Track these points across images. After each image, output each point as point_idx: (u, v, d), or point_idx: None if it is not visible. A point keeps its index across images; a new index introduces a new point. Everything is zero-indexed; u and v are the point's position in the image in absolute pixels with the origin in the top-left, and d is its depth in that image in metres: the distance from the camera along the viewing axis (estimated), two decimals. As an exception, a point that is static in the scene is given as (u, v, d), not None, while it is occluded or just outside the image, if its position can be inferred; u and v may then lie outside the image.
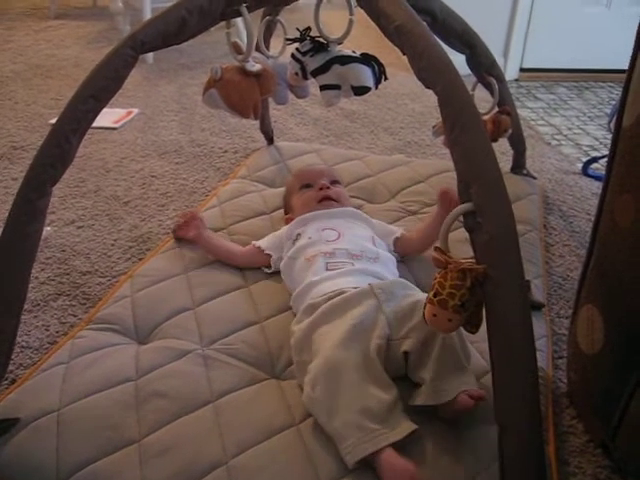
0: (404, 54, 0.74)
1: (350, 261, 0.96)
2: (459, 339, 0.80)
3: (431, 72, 0.66)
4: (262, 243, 1.10)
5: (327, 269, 0.95)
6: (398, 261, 1.07)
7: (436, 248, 0.64)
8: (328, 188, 1.13)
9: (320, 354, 0.79)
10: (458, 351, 0.80)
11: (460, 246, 1.10)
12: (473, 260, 0.62)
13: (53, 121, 2.05)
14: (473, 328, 0.67)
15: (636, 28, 0.72)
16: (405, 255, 1.11)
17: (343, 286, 0.90)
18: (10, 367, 0.95)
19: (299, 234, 1.05)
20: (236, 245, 1.14)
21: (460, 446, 0.75)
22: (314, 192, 1.13)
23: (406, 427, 0.73)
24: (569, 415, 0.89)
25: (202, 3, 0.80)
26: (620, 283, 0.73)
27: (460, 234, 0.90)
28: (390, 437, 0.71)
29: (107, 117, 1.98)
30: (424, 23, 0.73)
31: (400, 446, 0.71)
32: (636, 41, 0.70)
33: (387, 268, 0.99)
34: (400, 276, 1.01)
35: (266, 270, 1.09)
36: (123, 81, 0.79)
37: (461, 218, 0.65)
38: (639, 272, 0.69)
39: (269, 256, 1.08)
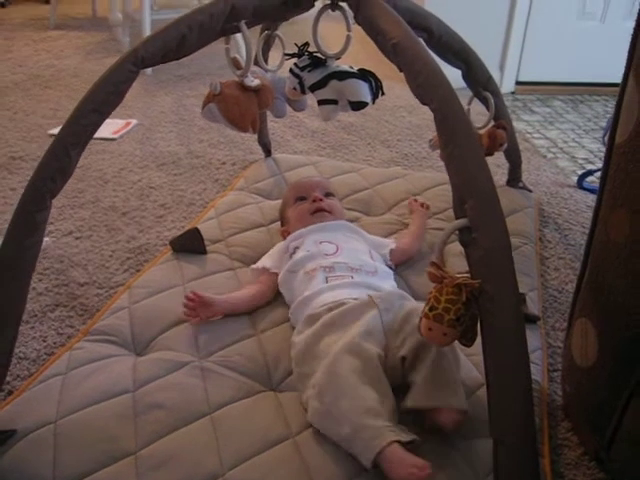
0: (401, 71, 0.75)
1: (349, 274, 0.97)
2: (453, 357, 0.81)
3: (427, 90, 0.67)
4: (265, 263, 1.08)
5: (327, 282, 0.96)
6: (395, 273, 1.08)
7: (432, 263, 0.65)
8: (321, 200, 1.14)
9: (322, 366, 0.80)
10: (452, 366, 0.80)
11: (456, 260, 1.12)
12: (468, 275, 0.63)
13: (52, 131, 2.06)
14: (468, 342, 0.67)
15: (629, 43, 0.73)
16: (399, 263, 1.13)
17: (343, 297, 0.91)
18: (7, 378, 0.95)
19: (296, 247, 1.05)
20: (248, 288, 1.06)
21: (457, 459, 0.75)
22: (308, 204, 1.14)
23: (409, 434, 0.73)
24: (564, 428, 0.89)
25: (202, 19, 0.81)
26: (613, 297, 0.74)
27: (456, 247, 0.92)
28: (397, 434, 0.71)
29: (106, 128, 1.98)
30: (421, 40, 0.75)
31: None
32: (628, 59, 0.72)
33: (385, 281, 1.01)
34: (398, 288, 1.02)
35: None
36: (124, 95, 0.80)
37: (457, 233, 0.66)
38: (632, 286, 0.70)
39: (277, 275, 1.06)
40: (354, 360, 0.78)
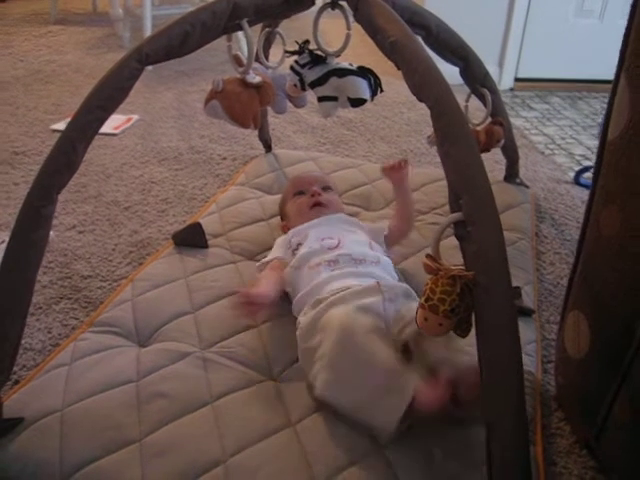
0: (399, 69, 0.77)
1: (354, 265, 0.99)
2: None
3: (424, 87, 0.69)
4: (277, 254, 1.09)
5: (332, 272, 0.98)
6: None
7: (427, 255, 0.67)
8: (319, 194, 1.16)
9: (329, 335, 0.81)
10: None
11: (453, 252, 1.14)
12: (463, 267, 0.65)
13: (54, 126, 2.07)
14: (463, 332, 0.69)
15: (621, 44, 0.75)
16: (395, 243, 1.14)
17: (350, 284, 0.93)
18: (13, 368, 0.97)
19: (299, 243, 1.07)
20: (273, 278, 1.03)
21: (451, 446, 0.78)
22: (306, 198, 1.16)
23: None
24: (557, 417, 0.92)
25: (205, 18, 0.83)
26: (604, 290, 0.76)
27: (453, 241, 0.94)
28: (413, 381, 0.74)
29: (107, 123, 1.98)
30: (418, 39, 0.77)
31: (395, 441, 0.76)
32: (619, 59, 0.74)
33: (388, 271, 1.03)
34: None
35: None
36: (128, 92, 0.82)
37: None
38: (622, 280, 0.72)
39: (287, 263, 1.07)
40: (360, 321, 0.80)
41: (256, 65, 1.13)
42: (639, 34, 0.68)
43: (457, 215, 0.64)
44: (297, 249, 1.06)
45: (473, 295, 0.63)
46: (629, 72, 0.70)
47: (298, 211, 1.16)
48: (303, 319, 0.92)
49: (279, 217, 1.29)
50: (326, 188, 1.21)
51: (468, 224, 0.63)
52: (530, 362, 0.95)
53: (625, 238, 0.71)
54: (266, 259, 1.10)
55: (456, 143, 0.65)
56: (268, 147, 1.70)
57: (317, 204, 1.15)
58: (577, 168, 1.76)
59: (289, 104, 1.24)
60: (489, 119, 1.34)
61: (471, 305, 0.65)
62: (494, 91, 1.31)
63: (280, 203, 1.27)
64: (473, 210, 0.63)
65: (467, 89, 1.32)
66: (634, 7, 0.70)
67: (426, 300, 0.66)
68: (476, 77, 1.25)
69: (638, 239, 0.69)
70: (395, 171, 1.08)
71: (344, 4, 0.91)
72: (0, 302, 0.79)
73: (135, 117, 2.08)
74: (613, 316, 0.75)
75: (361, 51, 1.96)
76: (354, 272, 0.97)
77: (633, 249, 0.70)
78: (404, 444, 0.77)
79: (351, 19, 0.93)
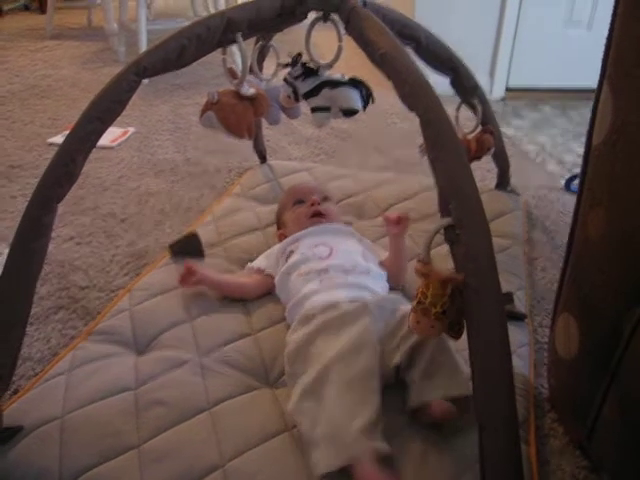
0: (389, 79, 0.79)
1: (343, 276, 1.00)
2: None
3: (413, 97, 0.72)
4: (260, 264, 1.13)
5: (321, 283, 0.99)
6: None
7: (419, 259, 0.69)
8: (319, 204, 1.18)
9: (313, 368, 0.83)
10: (454, 354, 0.84)
11: (445, 259, 1.15)
12: (454, 270, 0.67)
13: (51, 140, 2.08)
14: (455, 334, 0.71)
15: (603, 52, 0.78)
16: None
17: (338, 298, 0.94)
18: (13, 378, 0.98)
19: (292, 251, 1.08)
20: (237, 278, 1.15)
21: (446, 446, 0.79)
22: (305, 208, 1.18)
23: (379, 447, 0.74)
24: (550, 418, 0.93)
25: (200, 32, 0.85)
26: (593, 292, 0.78)
27: (444, 249, 0.96)
28: (360, 454, 0.73)
29: (104, 136, 2.00)
30: (407, 51, 0.79)
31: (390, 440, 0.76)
32: (602, 67, 0.76)
33: (378, 282, 1.03)
34: (390, 289, 1.06)
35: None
36: (126, 104, 0.84)
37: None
38: (609, 282, 0.74)
39: (271, 277, 1.10)
40: (343, 369, 0.81)
41: (250, 77, 1.15)
42: (620, 42, 0.71)
43: (447, 220, 0.66)
44: (290, 256, 1.08)
45: (464, 296, 0.65)
46: (611, 79, 0.72)
47: (297, 220, 1.17)
48: (290, 339, 0.93)
49: (274, 226, 1.30)
50: (325, 198, 1.22)
51: (457, 228, 0.65)
52: (523, 365, 0.97)
53: (611, 240, 0.73)
54: (254, 264, 1.14)
55: (444, 151, 0.67)
56: (263, 158, 1.72)
57: (316, 214, 1.16)
58: (567, 175, 1.78)
59: (283, 115, 1.26)
60: (479, 128, 1.36)
61: (462, 307, 0.67)
62: (484, 101, 1.33)
63: (277, 212, 1.28)
64: (462, 215, 0.65)
65: (458, 100, 1.35)
66: (614, 16, 0.73)
67: (418, 303, 0.68)
68: (466, 87, 1.28)
69: (624, 241, 0.71)
70: (393, 224, 1.07)
71: (336, 17, 0.93)
72: (0, 311, 0.80)
73: (131, 130, 2.11)
74: (601, 317, 0.76)
75: (354, 63, 1.98)
76: (343, 283, 0.98)
77: (619, 251, 0.72)
78: (398, 443, 0.78)
79: (342, 32, 0.95)
